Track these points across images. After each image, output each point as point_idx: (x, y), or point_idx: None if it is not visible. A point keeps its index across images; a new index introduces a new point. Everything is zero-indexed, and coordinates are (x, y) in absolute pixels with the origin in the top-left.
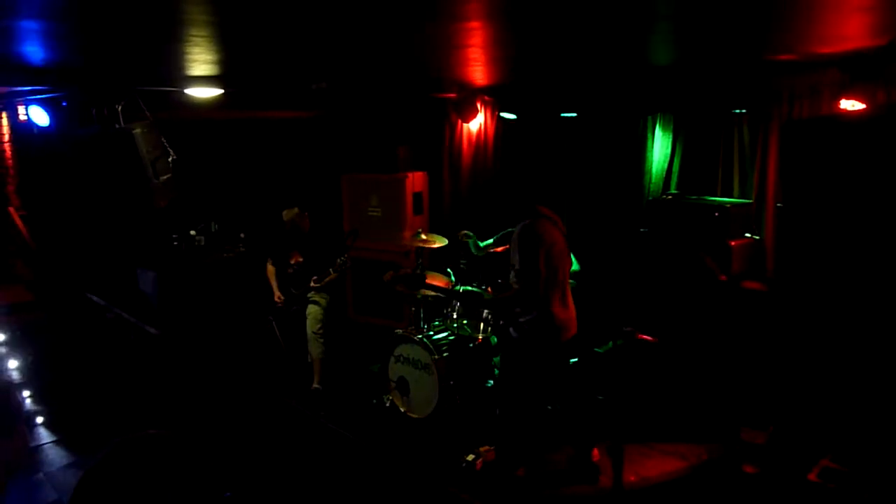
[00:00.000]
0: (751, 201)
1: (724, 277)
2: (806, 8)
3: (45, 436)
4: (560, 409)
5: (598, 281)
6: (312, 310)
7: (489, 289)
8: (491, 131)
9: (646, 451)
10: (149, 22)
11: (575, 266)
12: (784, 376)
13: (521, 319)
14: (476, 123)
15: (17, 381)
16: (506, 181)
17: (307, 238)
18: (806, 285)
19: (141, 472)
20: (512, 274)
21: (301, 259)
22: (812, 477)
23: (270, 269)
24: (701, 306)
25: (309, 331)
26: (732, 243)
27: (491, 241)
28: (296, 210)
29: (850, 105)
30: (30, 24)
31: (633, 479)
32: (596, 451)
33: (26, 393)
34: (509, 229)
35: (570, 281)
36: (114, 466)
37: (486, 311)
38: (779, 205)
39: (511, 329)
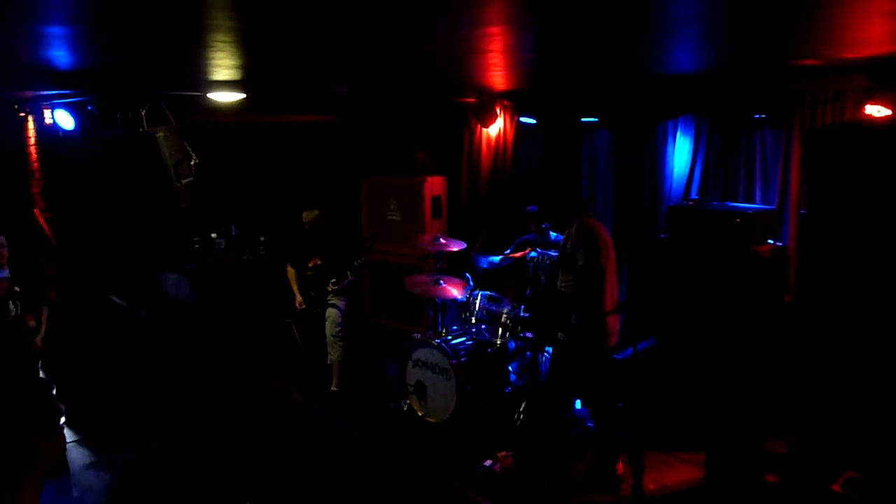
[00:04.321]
0: (773, 208)
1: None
2: (830, 13)
3: (67, 435)
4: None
5: (620, 288)
6: (331, 313)
7: (511, 293)
8: (510, 136)
9: (666, 458)
10: (174, 27)
11: None
12: (808, 385)
13: (574, 321)
14: (495, 128)
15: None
16: (551, 183)
17: (326, 240)
18: (830, 293)
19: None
20: (561, 278)
21: (320, 262)
22: (835, 487)
23: (291, 271)
24: (723, 314)
25: (328, 334)
26: (755, 250)
27: (509, 250)
28: (316, 212)
29: (875, 111)
30: (56, 30)
31: (652, 486)
32: (620, 464)
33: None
34: (526, 236)
35: None
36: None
37: (504, 315)
38: (802, 211)
39: (561, 333)
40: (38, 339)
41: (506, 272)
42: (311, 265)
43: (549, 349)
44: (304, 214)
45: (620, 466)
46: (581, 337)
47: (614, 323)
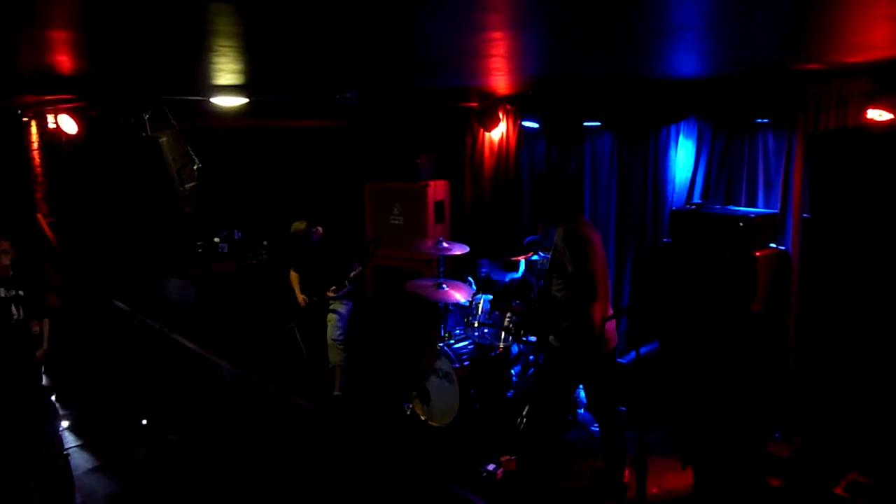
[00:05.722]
0: (776, 212)
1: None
2: (833, 17)
3: (70, 440)
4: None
5: (621, 292)
6: (332, 318)
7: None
8: (513, 140)
9: (669, 463)
10: (177, 32)
11: None
12: (811, 388)
13: (564, 324)
14: (498, 132)
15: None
16: (543, 184)
17: (318, 250)
18: (833, 297)
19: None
20: (554, 284)
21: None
22: (839, 491)
23: (294, 276)
24: (725, 318)
25: (329, 338)
26: (757, 254)
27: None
28: (304, 224)
29: (877, 115)
30: (59, 35)
31: (655, 491)
32: (627, 472)
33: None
34: (532, 237)
35: None
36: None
37: (507, 319)
38: (805, 216)
39: (552, 337)
40: (41, 353)
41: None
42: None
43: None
44: (294, 225)
45: (627, 474)
46: (571, 341)
47: (608, 327)
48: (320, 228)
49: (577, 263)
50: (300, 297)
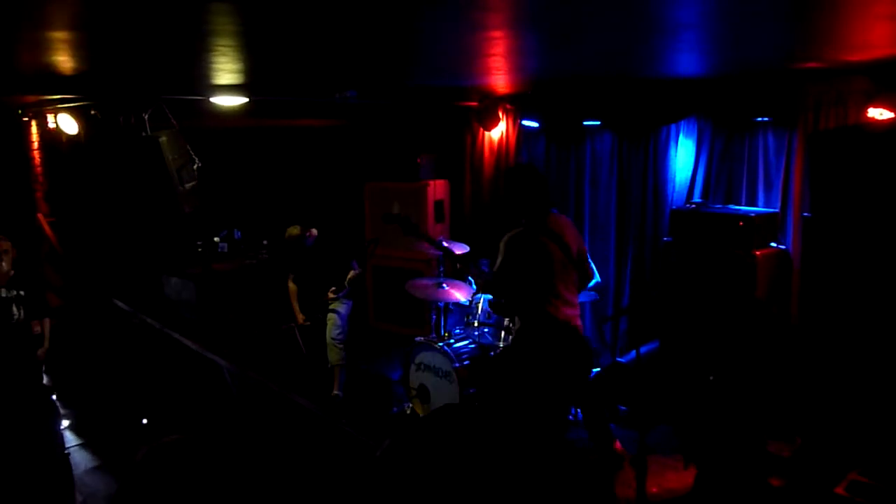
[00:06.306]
0: (776, 211)
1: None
2: (832, 16)
3: (70, 439)
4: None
5: (622, 291)
6: (332, 317)
7: None
8: (513, 139)
9: (669, 462)
10: (176, 32)
11: (596, 278)
12: (812, 387)
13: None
14: (497, 131)
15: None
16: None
17: (313, 253)
18: (833, 296)
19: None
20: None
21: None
22: (839, 490)
23: (292, 287)
24: (725, 317)
25: (328, 337)
26: (758, 253)
27: None
28: (297, 229)
29: (877, 113)
30: (59, 35)
31: (655, 490)
32: (618, 443)
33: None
34: None
35: (592, 293)
36: (146, 474)
37: (507, 319)
38: (805, 215)
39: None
40: (42, 352)
41: None
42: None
43: None
44: (288, 230)
45: (618, 444)
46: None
47: (563, 309)
48: (315, 231)
49: (498, 275)
50: (299, 317)
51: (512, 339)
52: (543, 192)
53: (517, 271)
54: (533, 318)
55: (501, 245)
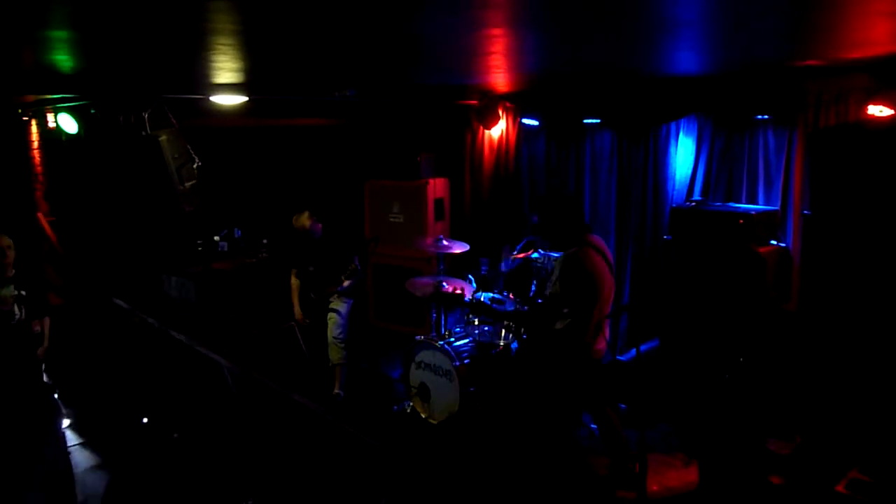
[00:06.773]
0: (776, 209)
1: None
2: (832, 12)
3: (71, 438)
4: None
5: (622, 289)
6: (333, 316)
7: (511, 294)
8: (513, 137)
9: (670, 460)
10: (176, 31)
11: None
12: (812, 385)
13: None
14: (497, 130)
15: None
16: (546, 207)
17: (319, 244)
18: (833, 294)
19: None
20: (549, 288)
21: (313, 268)
22: (840, 488)
23: (294, 282)
24: (726, 315)
25: (329, 336)
26: (761, 251)
27: (516, 250)
28: (306, 214)
29: (877, 111)
30: (59, 34)
31: (656, 488)
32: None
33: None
34: (531, 236)
35: None
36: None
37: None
38: (805, 212)
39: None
40: (42, 351)
41: (509, 273)
42: (311, 269)
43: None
44: (294, 218)
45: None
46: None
47: (600, 341)
48: (319, 224)
49: (575, 304)
50: (298, 314)
51: (521, 350)
52: (581, 214)
53: (586, 291)
54: (571, 350)
55: (567, 264)
